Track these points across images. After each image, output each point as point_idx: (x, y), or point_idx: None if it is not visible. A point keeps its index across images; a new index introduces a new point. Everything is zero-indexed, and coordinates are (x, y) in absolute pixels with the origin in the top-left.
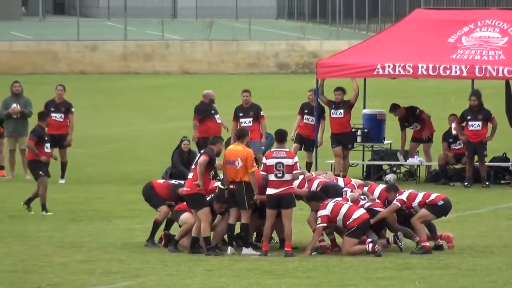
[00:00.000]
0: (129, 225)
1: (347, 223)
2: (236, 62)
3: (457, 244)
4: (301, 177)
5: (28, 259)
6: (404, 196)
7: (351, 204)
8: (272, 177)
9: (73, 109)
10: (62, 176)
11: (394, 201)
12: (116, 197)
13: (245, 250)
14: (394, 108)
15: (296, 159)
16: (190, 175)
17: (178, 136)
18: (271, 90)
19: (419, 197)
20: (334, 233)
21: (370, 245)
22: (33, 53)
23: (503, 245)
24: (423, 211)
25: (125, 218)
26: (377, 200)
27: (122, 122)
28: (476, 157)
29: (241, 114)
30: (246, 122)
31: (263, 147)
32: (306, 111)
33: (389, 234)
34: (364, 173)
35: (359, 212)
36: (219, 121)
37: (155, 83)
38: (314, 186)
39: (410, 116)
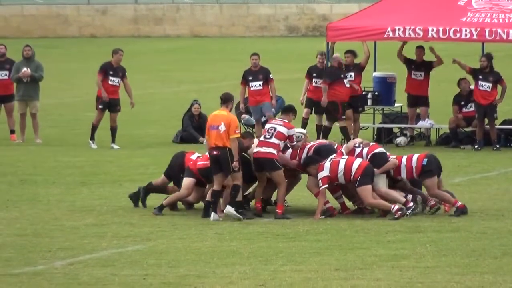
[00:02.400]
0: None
1: (351, 176)
2: (246, 25)
3: (468, 207)
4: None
5: (38, 223)
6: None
7: (347, 157)
8: (261, 138)
9: (126, 73)
10: (114, 141)
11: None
12: (127, 160)
13: (229, 208)
14: (420, 47)
15: (293, 131)
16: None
17: (189, 100)
18: (281, 53)
19: (404, 169)
20: (343, 196)
21: (396, 207)
22: (44, 17)
23: None
24: (425, 182)
25: (136, 182)
26: (371, 143)
27: (132, 86)
28: (486, 120)
29: (250, 78)
30: (256, 85)
31: (273, 109)
32: (314, 74)
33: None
34: (375, 136)
35: (358, 162)
36: (347, 85)
37: (165, 46)
38: (305, 153)
39: (423, 66)
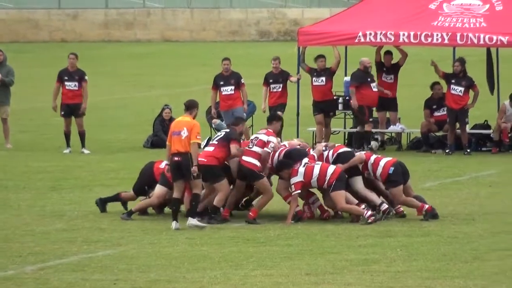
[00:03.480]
0: (110, 194)
1: (325, 181)
2: (217, 30)
3: (439, 212)
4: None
5: (9, 228)
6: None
7: (321, 163)
8: (246, 147)
9: (86, 77)
10: (83, 146)
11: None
12: (97, 165)
13: (191, 221)
14: (388, 54)
15: (271, 138)
16: (211, 149)
17: (160, 104)
18: (253, 58)
19: (370, 167)
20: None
21: (369, 213)
22: (14, 21)
23: (484, 212)
24: (391, 191)
25: (106, 187)
26: (337, 144)
27: (103, 91)
28: (457, 125)
29: (221, 83)
30: (228, 90)
31: (245, 114)
32: (271, 80)
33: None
34: (346, 141)
35: (332, 168)
36: (375, 89)
37: (136, 51)
38: (276, 158)
39: (392, 69)
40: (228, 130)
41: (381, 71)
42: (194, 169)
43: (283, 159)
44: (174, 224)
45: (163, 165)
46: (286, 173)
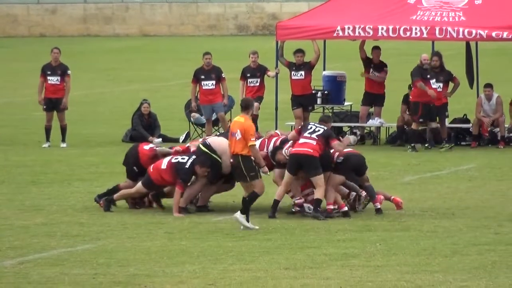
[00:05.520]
0: (89, 188)
1: None
2: (196, 24)
3: (418, 206)
4: (259, 140)
5: None
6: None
7: None
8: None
9: (69, 72)
10: (63, 140)
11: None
12: (77, 159)
13: (240, 218)
14: (376, 48)
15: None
16: (313, 142)
17: (138, 99)
18: (231, 52)
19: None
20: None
21: (332, 207)
22: None
23: (464, 206)
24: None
25: (85, 181)
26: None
27: (82, 85)
28: (437, 119)
29: (202, 77)
30: (209, 84)
31: (225, 108)
32: (248, 74)
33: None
34: None
35: None
36: (434, 86)
37: (115, 45)
38: (271, 144)
39: (380, 66)
40: (325, 128)
41: (369, 67)
42: (264, 169)
43: (279, 145)
44: (246, 224)
45: (148, 147)
46: (280, 154)
